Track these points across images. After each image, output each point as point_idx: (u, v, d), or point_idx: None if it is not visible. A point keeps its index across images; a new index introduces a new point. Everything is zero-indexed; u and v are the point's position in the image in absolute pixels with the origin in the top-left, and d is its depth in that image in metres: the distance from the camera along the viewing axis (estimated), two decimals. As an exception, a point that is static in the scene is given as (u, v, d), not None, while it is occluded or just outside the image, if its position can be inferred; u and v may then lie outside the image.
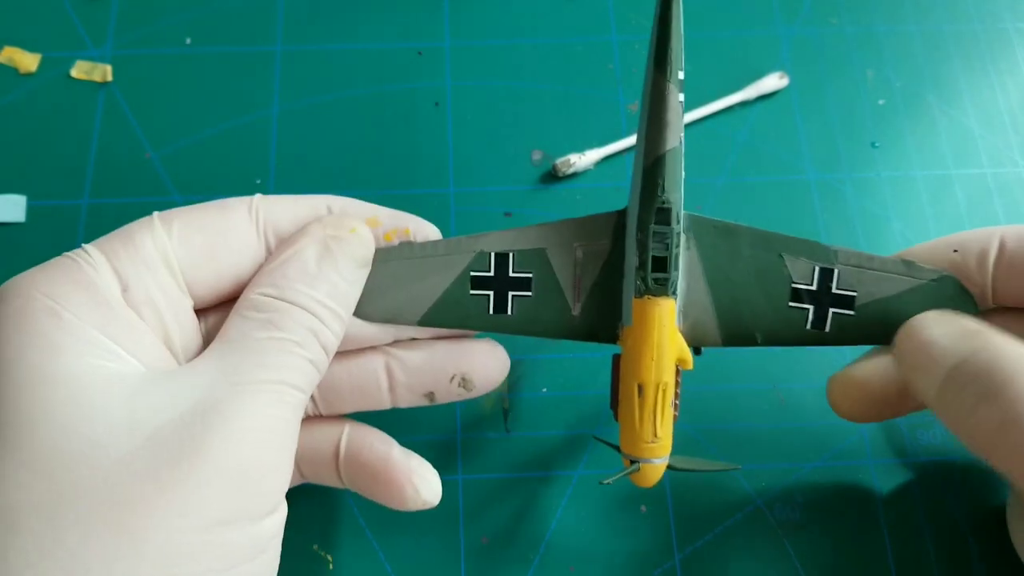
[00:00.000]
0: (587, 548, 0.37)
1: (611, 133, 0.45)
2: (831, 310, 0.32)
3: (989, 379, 0.27)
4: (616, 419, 0.32)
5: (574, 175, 0.44)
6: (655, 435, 0.31)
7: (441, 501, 0.33)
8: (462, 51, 0.47)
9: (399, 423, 0.34)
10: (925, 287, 0.32)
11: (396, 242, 0.32)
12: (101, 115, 0.45)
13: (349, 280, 0.30)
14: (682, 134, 0.29)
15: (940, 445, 0.39)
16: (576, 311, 0.32)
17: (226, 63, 0.46)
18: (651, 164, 0.29)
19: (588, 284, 0.32)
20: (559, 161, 0.44)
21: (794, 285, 0.32)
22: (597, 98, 0.46)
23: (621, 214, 0.32)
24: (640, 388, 0.31)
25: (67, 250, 0.29)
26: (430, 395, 0.33)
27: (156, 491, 0.24)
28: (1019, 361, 0.27)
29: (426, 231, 0.33)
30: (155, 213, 0.30)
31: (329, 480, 0.34)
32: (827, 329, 0.32)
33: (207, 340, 0.30)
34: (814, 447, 0.39)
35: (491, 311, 0.32)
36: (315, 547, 0.36)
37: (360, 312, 0.31)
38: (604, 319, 0.32)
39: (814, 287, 0.32)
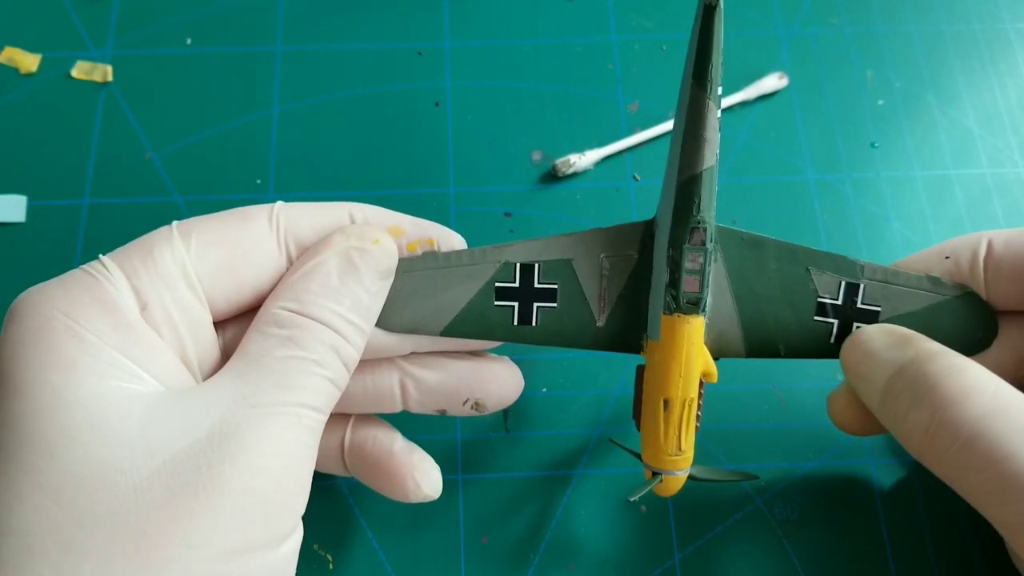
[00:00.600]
0: (587, 548, 0.37)
1: (611, 133, 0.45)
2: (856, 324, 0.32)
3: (919, 385, 0.28)
4: (638, 429, 0.32)
5: (574, 175, 0.44)
6: (679, 448, 0.31)
7: (441, 501, 0.33)
8: (462, 51, 0.47)
9: (401, 422, 0.34)
10: (949, 303, 0.32)
11: (420, 252, 0.31)
12: (101, 115, 0.45)
13: (372, 292, 0.29)
14: (718, 151, 0.29)
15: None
16: (601, 322, 0.32)
17: (226, 63, 0.46)
18: (686, 181, 0.29)
19: (614, 295, 0.32)
20: (559, 161, 0.44)
21: (819, 299, 0.32)
22: (597, 98, 0.46)
23: (649, 224, 0.31)
24: (666, 403, 0.31)
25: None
26: (442, 411, 0.33)
27: (172, 520, 0.24)
28: (947, 368, 0.28)
29: (451, 241, 0.32)
30: (174, 224, 0.29)
31: (334, 469, 0.34)
32: None
33: (225, 353, 0.30)
34: (814, 447, 0.39)
35: (515, 322, 0.32)
36: (315, 547, 0.36)
37: (381, 322, 0.31)
38: (629, 330, 0.32)
39: (839, 301, 0.32)
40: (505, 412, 0.39)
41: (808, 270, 0.32)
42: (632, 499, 0.32)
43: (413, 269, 0.31)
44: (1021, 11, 0.49)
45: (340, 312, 0.28)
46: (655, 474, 0.32)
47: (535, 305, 0.32)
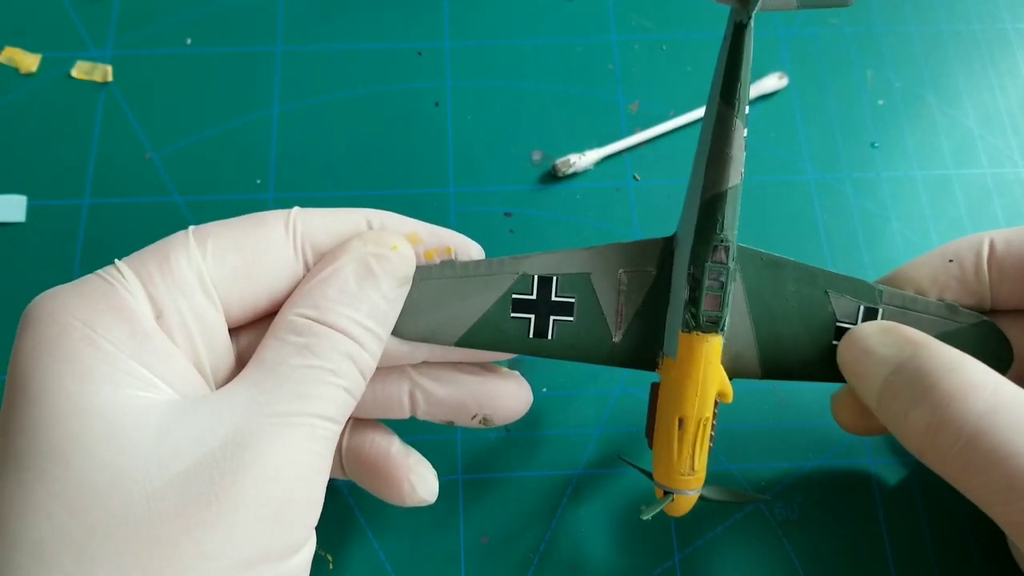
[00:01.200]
0: (587, 548, 0.37)
1: (611, 133, 0.45)
2: None
3: (919, 383, 0.28)
4: (650, 447, 0.32)
5: (574, 175, 0.44)
6: (692, 468, 0.31)
7: (441, 501, 0.33)
8: (462, 51, 0.47)
9: (401, 421, 0.34)
10: (965, 331, 0.32)
11: (437, 260, 0.31)
12: (101, 115, 0.45)
13: (390, 299, 0.29)
14: (743, 169, 0.29)
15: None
16: (617, 338, 0.32)
17: (226, 63, 0.46)
18: (711, 199, 0.29)
19: (631, 311, 0.32)
20: (559, 161, 0.44)
21: (839, 324, 0.31)
22: (597, 98, 0.46)
23: (668, 241, 0.31)
24: (681, 421, 0.30)
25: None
26: (449, 422, 0.33)
27: (185, 530, 0.24)
28: (946, 365, 0.28)
29: (469, 249, 0.32)
30: (190, 228, 0.29)
31: (331, 471, 0.34)
32: None
33: (240, 360, 0.29)
34: (814, 447, 0.39)
35: (531, 335, 0.32)
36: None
37: (396, 330, 0.30)
38: (645, 347, 0.32)
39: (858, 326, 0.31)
40: (505, 412, 0.39)
41: (827, 293, 0.31)
42: (644, 517, 0.32)
43: (430, 277, 0.31)
44: (1021, 11, 0.49)
45: (357, 319, 0.28)
46: (666, 493, 0.32)
47: (552, 318, 0.31)
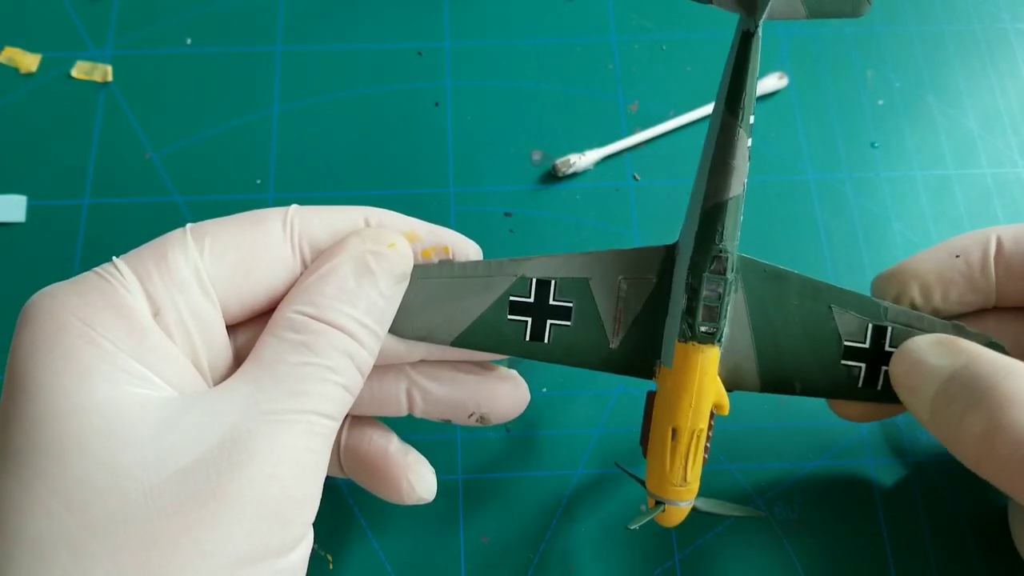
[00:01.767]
0: (587, 548, 0.37)
1: (611, 133, 0.45)
2: (883, 368, 0.31)
3: (974, 389, 0.28)
4: (644, 456, 0.32)
5: (574, 175, 0.44)
6: (684, 479, 0.31)
7: (441, 501, 0.33)
8: (462, 51, 0.47)
9: (401, 420, 0.34)
10: None
11: (435, 260, 0.31)
12: (101, 115, 0.45)
13: (387, 297, 0.29)
14: (746, 179, 0.28)
15: (940, 445, 0.39)
16: (614, 344, 0.31)
17: (226, 63, 0.46)
18: (711, 208, 0.28)
19: (629, 318, 0.31)
20: (559, 161, 0.44)
21: (847, 343, 0.31)
22: (597, 98, 0.46)
23: (670, 249, 0.31)
24: (674, 432, 0.30)
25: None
26: (446, 420, 0.33)
27: (183, 528, 0.24)
28: (1002, 370, 0.27)
29: (467, 249, 0.32)
30: (188, 226, 0.29)
31: (329, 470, 0.34)
32: (879, 387, 0.31)
33: (237, 357, 0.29)
34: (814, 447, 0.39)
35: (527, 338, 0.31)
36: (315, 547, 0.36)
37: (393, 328, 0.30)
38: (642, 355, 0.31)
39: (867, 345, 0.31)
40: (505, 412, 0.39)
41: (830, 308, 0.31)
42: (632, 527, 0.32)
43: (428, 276, 0.31)
44: (1021, 11, 0.49)
45: (355, 316, 0.28)
46: (658, 503, 0.32)
47: (549, 322, 0.31)
